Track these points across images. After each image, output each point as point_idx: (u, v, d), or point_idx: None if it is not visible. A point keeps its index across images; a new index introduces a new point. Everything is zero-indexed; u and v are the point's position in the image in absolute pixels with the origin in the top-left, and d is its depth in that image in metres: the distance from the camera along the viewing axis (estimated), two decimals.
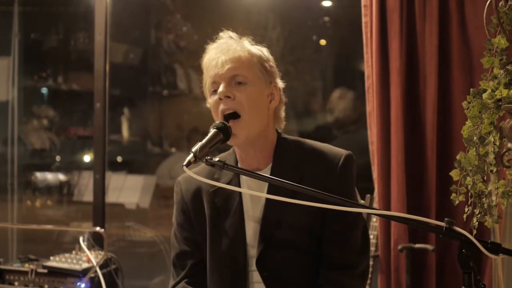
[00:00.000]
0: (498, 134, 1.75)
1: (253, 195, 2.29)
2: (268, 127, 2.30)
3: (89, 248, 3.56)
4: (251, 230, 2.28)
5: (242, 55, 2.24)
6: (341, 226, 2.24)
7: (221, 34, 2.31)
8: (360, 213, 2.30)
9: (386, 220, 3.41)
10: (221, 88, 2.20)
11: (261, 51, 2.30)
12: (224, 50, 2.24)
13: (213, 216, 2.32)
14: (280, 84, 2.34)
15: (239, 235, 2.28)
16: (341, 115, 4.91)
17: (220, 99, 2.20)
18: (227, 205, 2.31)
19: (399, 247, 3.35)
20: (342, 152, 2.30)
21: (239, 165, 2.34)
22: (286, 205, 1.90)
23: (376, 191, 3.47)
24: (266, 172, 2.29)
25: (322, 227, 2.26)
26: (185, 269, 2.37)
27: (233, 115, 2.20)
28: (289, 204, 1.83)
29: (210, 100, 2.26)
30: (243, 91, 2.20)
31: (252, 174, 2.03)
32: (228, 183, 2.30)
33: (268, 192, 2.24)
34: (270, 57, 2.33)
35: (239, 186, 2.32)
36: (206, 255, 2.35)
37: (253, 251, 2.27)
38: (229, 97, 2.19)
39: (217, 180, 2.30)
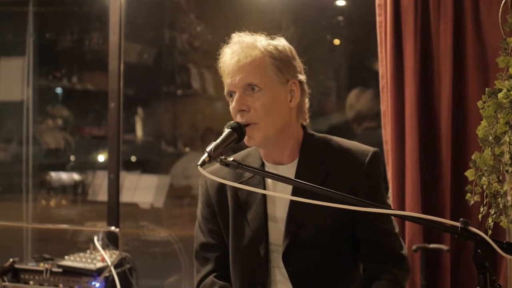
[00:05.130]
0: None
1: (277, 188, 2.30)
2: (290, 125, 2.28)
3: (103, 248, 3.57)
4: (276, 221, 2.29)
5: (255, 58, 2.20)
6: (377, 223, 2.26)
7: (233, 35, 2.29)
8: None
9: (401, 220, 3.40)
10: (235, 101, 2.21)
11: (276, 47, 2.24)
12: (236, 55, 2.22)
13: (236, 210, 2.33)
14: (301, 77, 2.30)
15: (261, 229, 2.28)
16: (361, 111, 4.89)
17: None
18: (251, 198, 2.31)
19: (414, 247, 3.34)
20: (369, 149, 2.31)
21: (263, 160, 2.34)
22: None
23: (390, 190, 3.46)
24: (291, 168, 2.29)
25: (351, 228, 2.27)
26: (211, 263, 2.38)
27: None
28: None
29: (230, 107, 2.26)
30: (258, 99, 2.19)
31: (272, 176, 2.04)
32: (251, 178, 2.31)
33: (293, 190, 2.26)
34: (288, 51, 2.27)
35: (263, 182, 2.32)
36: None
37: (276, 247, 2.28)
38: (244, 110, 2.20)
39: (240, 175, 2.32)
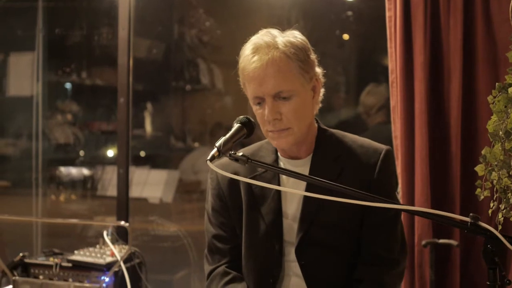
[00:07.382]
0: None
1: (292, 181, 2.29)
2: (312, 121, 2.31)
3: (113, 243, 3.58)
4: (289, 217, 2.29)
5: (281, 64, 2.15)
6: (382, 222, 2.26)
7: (254, 39, 2.21)
8: (400, 211, 2.30)
9: (410, 215, 3.40)
10: (268, 112, 2.16)
11: (298, 47, 2.19)
12: (264, 61, 2.15)
13: (250, 203, 2.32)
14: (319, 70, 2.29)
15: (276, 224, 2.28)
16: (375, 106, 4.87)
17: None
18: (265, 192, 2.30)
19: (423, 242, 3.33)
20: (382, 147, 2.31)
21: (278, 154, 2.34)
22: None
23: (400, 186, 3.45)
24: (306, 162, 2.30)
25: (362, 225, 2.28)
26: (223, 254, 2.38)
27: None
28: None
29: (255, 110, 2.24)
30: (289, 105, 2.17)
31: (285, 172, 2.04)
32: (265, 173, 2.31)
33: (306, 186, 2.25)
34: (306, 47, 2.23)
35: (278, 176, 2.31)
36: (242, 242, 2.36)
37: (289, 243, 2.28)
38: (277, 118, 2.18)
39: (254, 169, 2.30)
